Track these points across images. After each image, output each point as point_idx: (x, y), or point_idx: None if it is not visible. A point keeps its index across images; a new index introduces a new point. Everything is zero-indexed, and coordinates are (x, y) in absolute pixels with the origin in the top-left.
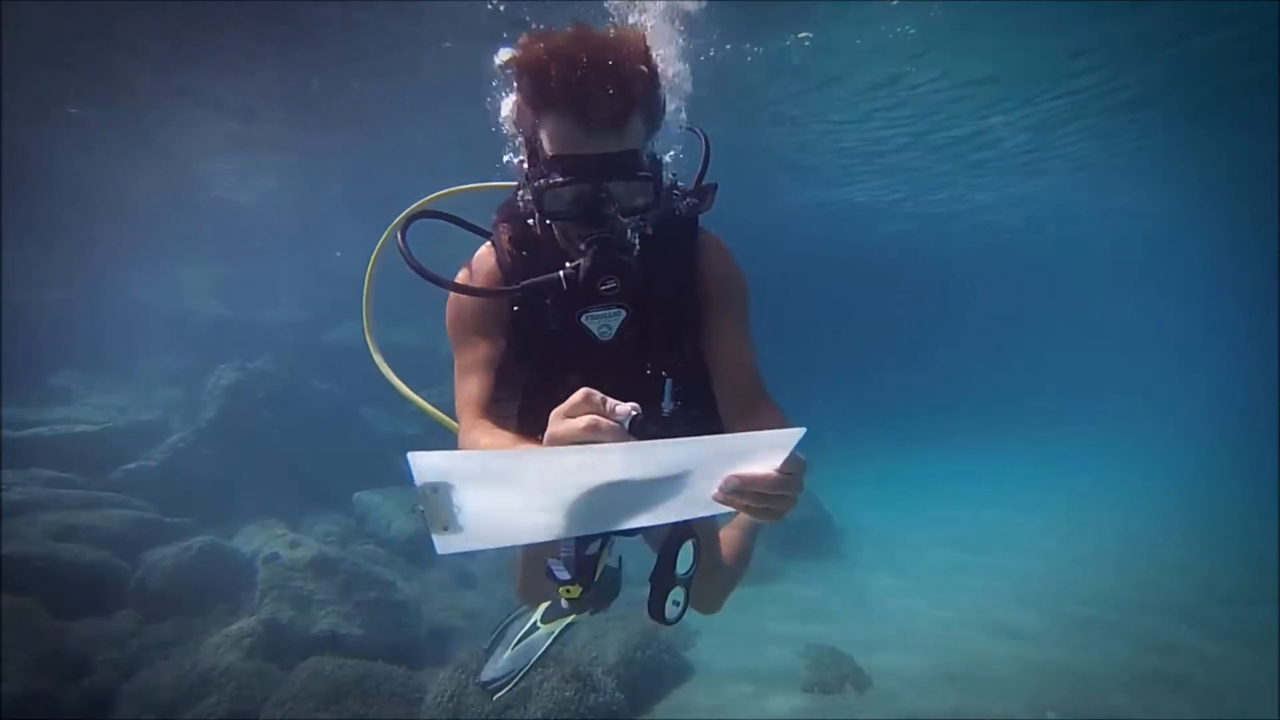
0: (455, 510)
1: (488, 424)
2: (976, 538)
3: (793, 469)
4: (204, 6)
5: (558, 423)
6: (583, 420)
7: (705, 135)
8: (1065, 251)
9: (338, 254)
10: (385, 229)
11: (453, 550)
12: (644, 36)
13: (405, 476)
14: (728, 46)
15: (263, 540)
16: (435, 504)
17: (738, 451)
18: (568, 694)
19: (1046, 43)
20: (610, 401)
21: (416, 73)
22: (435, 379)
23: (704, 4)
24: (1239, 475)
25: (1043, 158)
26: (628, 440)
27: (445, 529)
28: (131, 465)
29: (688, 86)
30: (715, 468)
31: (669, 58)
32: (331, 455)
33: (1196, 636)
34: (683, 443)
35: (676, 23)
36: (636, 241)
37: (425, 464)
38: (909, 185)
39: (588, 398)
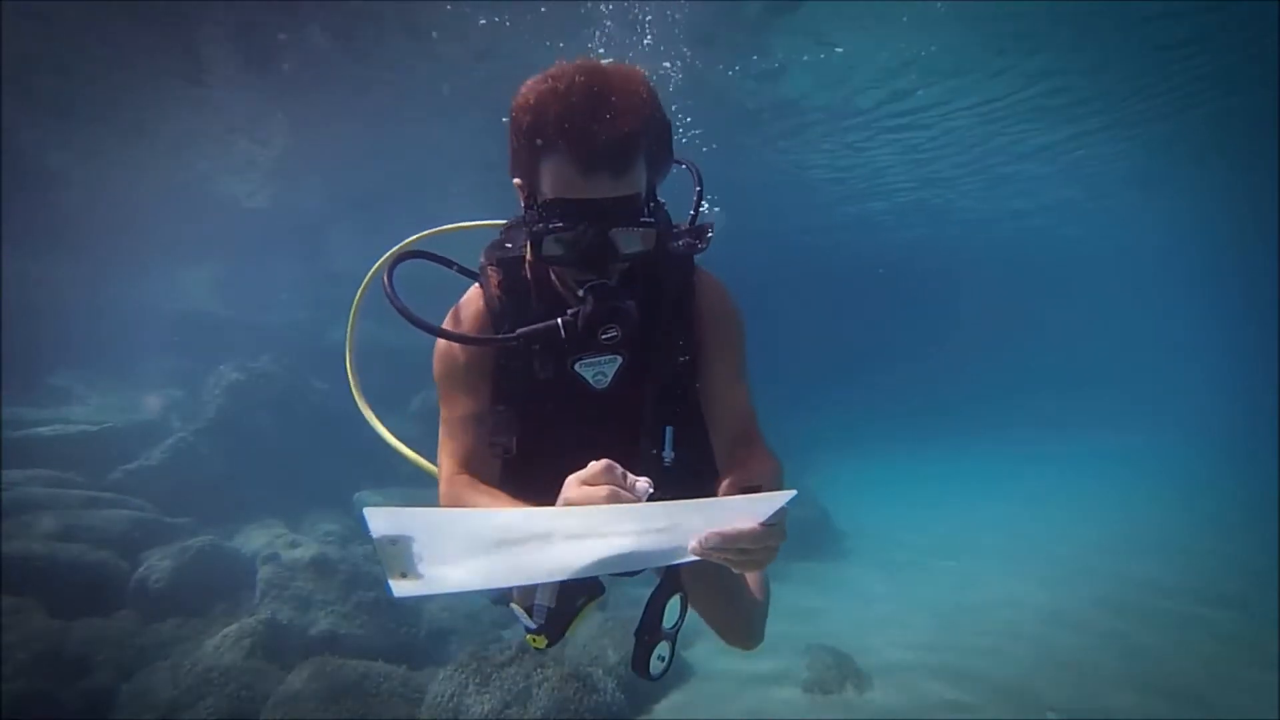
0: (415, 559)
1: (470, 479)
2: (978, 537)
3: (775, 520)
4: (205, 6)
5: (574, 489)
6: (603, 490)
7: (698, 171)
8: (1067, 252)
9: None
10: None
11: (409, 594)
12: (647, 80)
13: (405, 477)
14: (754, 57)
15: (263, 540)
16: (393, 555)
17: (726, 515)
18: (568, 694)
19: (1062, 54)
20: (630, 476)
21: (420, 76)
22: (429, 382)
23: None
24: (1240, 475)
25: (1057, 169)
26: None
27: (403, 576)
28: (131, 465)
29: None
30: (699, 526)
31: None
32: (331, 455)
33: (1203, 633)
34: (667, 507)
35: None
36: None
37: (380, 520)
38: (929, 195)
39: (609, 469)
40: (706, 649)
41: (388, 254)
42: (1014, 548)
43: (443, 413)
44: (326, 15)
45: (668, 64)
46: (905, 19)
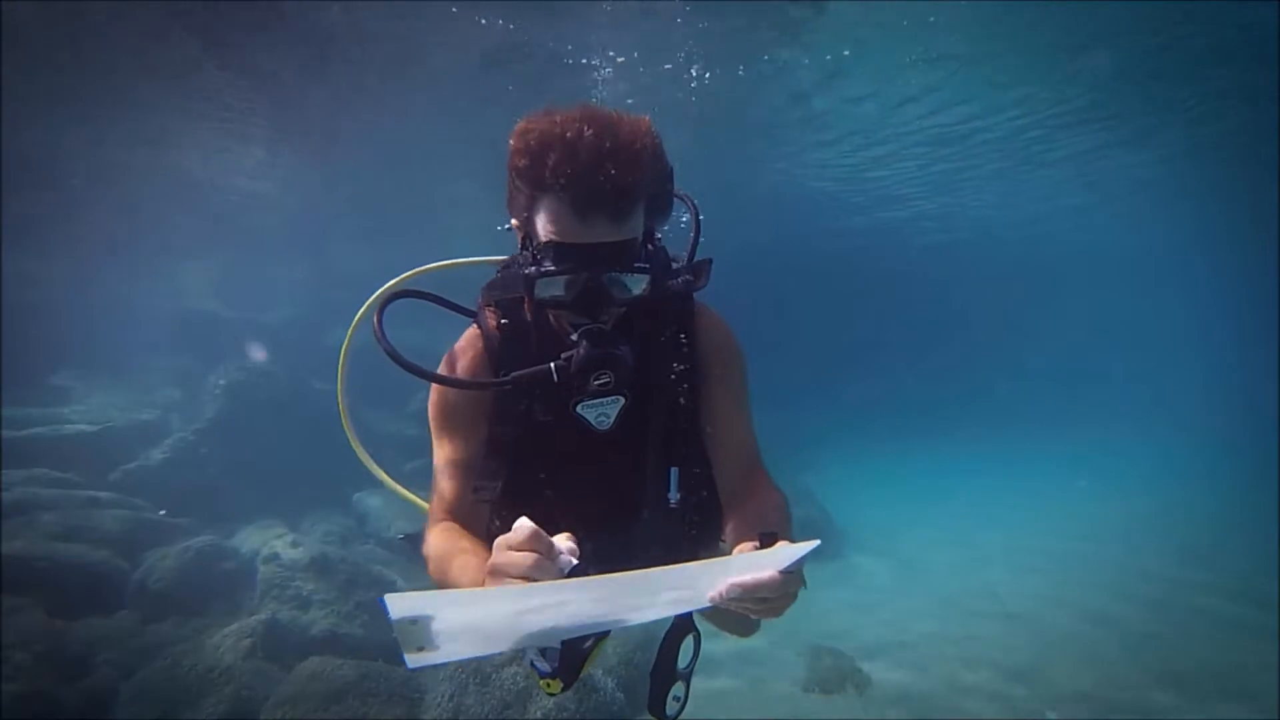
0: (432, 635)
1: (454, 526)
2: (978, 535)
3: (795, 567)
4: (209, 6)
5: (500, 553)
6: (529, 558)
7: (696, 205)
8: (1070, 252)
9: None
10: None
11: (425, 664)
12: (652, 129)
13: (404, 476)
14: (765, 57)
15: (263, 540)
16: (411, 633)
17: (742, 570)
18: (568, 694)
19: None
20: (555, 546)
21: (419, 76)
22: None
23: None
24: (1241, 473)
25: (1062, 172)
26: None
27: (420, 649)
28: (131, 465)
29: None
30: (715, 580)
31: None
32: (331, 455)
33: (1207, 623)
34: (687, 570)
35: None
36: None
37: (399, 605)
38: (946, 203)
39: (535, 536)
40: (706, 649)
41: (379, 291)
42: (1015, 545)
43: (435, 455)
44: (331, 17)
45: (669, 65)
46: (905, 22)
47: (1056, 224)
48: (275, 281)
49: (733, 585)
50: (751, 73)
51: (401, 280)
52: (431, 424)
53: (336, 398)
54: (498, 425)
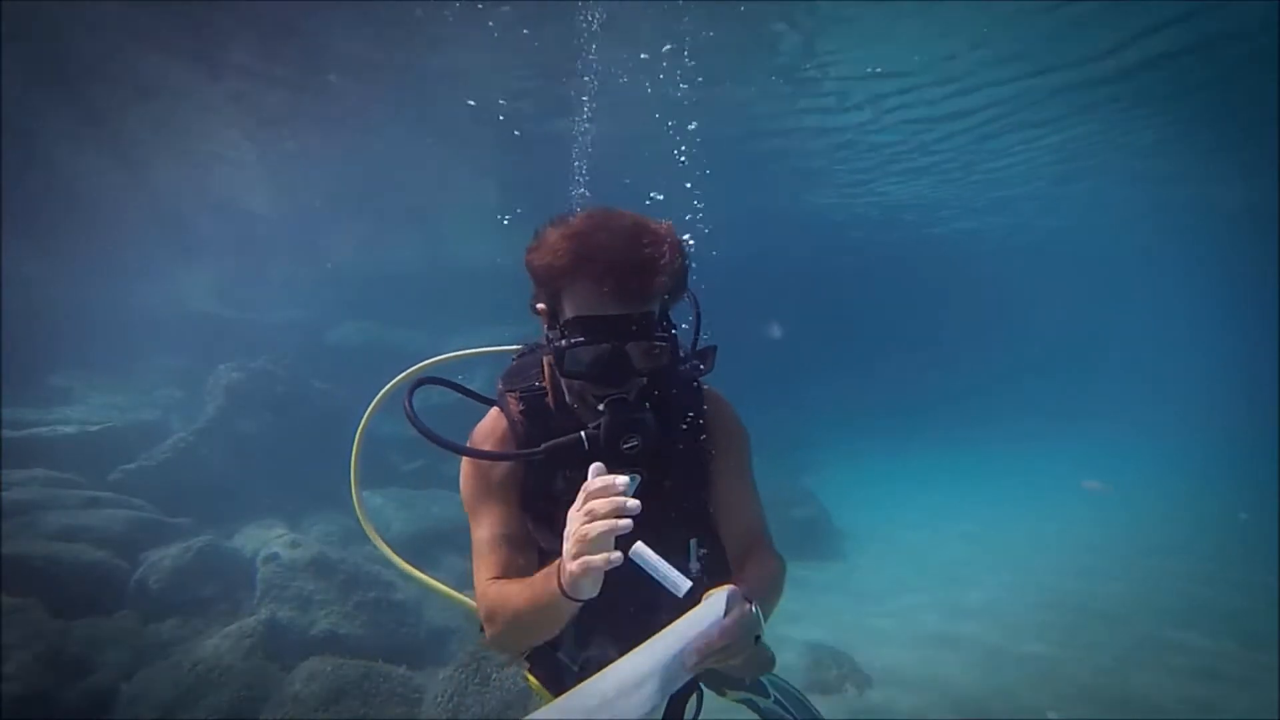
0: None
1: (508, 579)
2: (978, 535)
3: (738, 614)
4: (212, 6)
5: (587, 500)
6: (608, 503)
7: (696, 298)
8: (1070, 247)
9: (329, 265)
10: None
11: None
12: (673, 230)
13: (405, 476)
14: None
15: (263, 540)
16: None
17: (686, 635)
18: None
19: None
20: (614, 479)
21: (420, 76)
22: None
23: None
24: (1242, 472)
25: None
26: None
27: None
28: (131, 465)
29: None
30: (682, 648)
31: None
32: (331, 455)
33: (1202, 634)
34: (640, 652)
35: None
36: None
37: None
38: (942, 191)
39: (599, 471)
40: None
41: (399, 377)
42: (1014, 546)
43: (474, 535)
44: (336, 22)
45: (680, 81)
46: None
47: (1068, 230)
48: (275, 281)
49: (689, 653)
50: (773, 76)
51: (420, 369)
52: (468, 504)
53: (352, 487)
54: (523, 505)
